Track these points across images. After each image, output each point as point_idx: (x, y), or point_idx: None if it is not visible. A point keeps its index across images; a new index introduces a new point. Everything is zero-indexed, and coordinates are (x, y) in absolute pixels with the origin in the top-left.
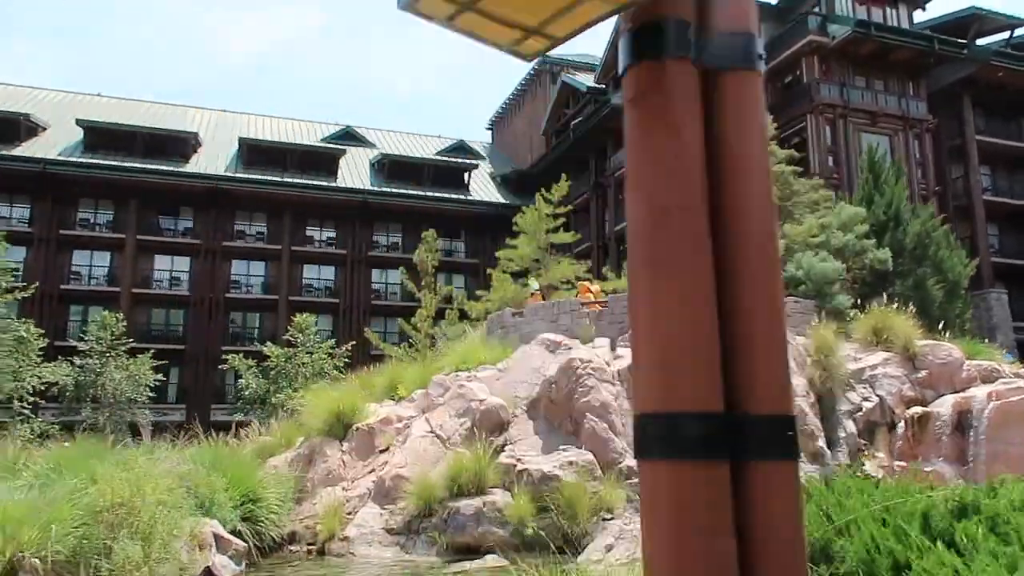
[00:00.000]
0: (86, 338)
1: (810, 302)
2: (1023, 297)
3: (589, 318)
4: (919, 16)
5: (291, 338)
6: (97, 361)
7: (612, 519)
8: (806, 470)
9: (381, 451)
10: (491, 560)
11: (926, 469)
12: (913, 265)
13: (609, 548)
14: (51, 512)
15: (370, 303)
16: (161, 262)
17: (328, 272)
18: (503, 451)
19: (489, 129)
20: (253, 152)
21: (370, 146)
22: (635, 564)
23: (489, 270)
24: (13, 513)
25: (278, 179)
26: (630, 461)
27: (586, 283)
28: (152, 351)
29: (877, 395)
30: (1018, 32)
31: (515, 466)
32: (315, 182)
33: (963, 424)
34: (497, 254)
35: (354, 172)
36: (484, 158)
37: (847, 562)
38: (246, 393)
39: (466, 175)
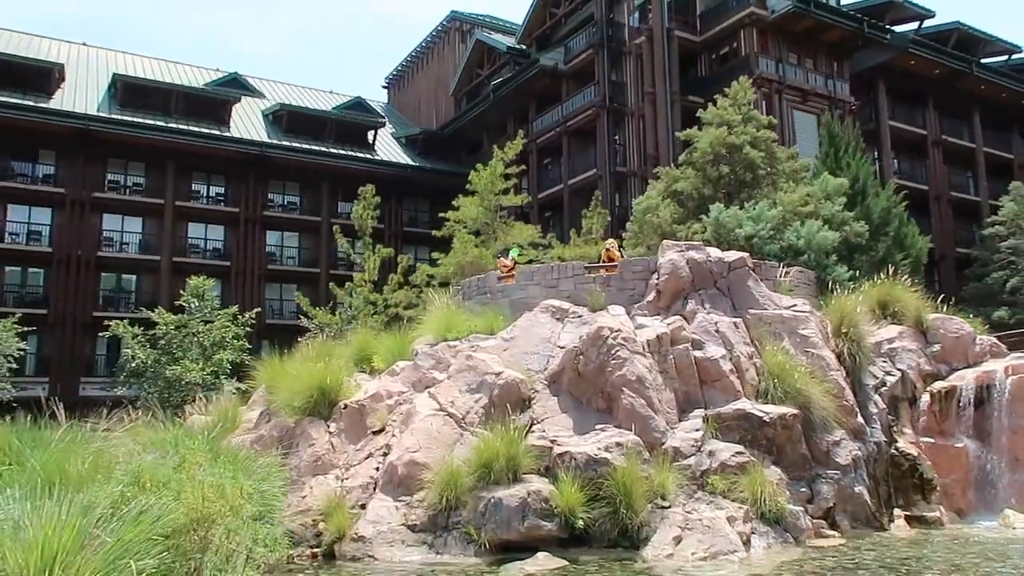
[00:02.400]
0: None
1: (812, 272)
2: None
3: (597, 283)
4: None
5: (185, 303)
6: None
7: (669, 507)
8: (848, 448)
9: (374, 432)
10: (544, 559)
11: (956, 445)
12: (875, 240)
13: (678, 541)
14: (117, 538)
15: (265, 267)
16: (16, 213)
17: (217, 232)
18: (531, 431)
19: (386, 88)
20: (129, 91)
21: (260, 96)
22: (716, 559)
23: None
24: (61, 543)
25: (161, 124)
26: (673, 441)
27: (612, 246)
28: (8, 316)
29: (898, 369)
30: (925, 24)
31: (551, 449)
32: (203, 130)
33: (983, 399)
34: (447, 215)
35: (247, 123)
36: (383, 117)
37: None
38: (133, 365)
39: (371, 133)
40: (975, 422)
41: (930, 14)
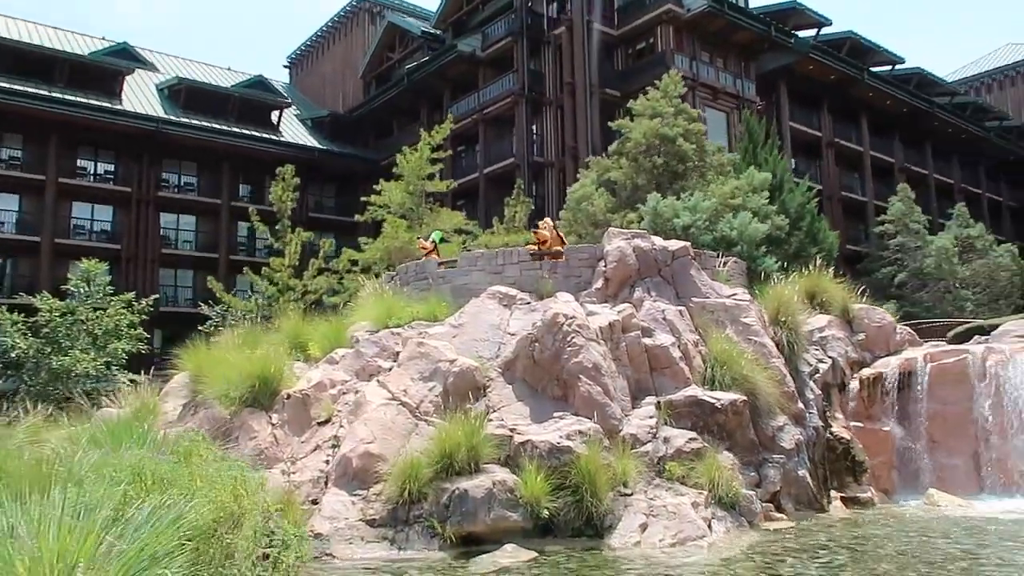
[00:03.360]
0: None
1: (744, 263)
2: None
3: (544, 270)
4: (754, 1)
5: (73, 288)
6: None
7: (631, 494)
8: (791, 432)
9: (320, 423)
10: (513, 551)
11: (883, 429)
12: (789, 234)
13: (644, 528)
14: (145, 543)
15: (159, 251)
16: None
17: (105, 212)
18: (489, 420)
19: (288, 68)
20: (7, 57)
21: (153, 69)
22: (685, 545)
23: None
24: (83, 551)
25: (43, 93)
26: (630, 428)
27: (545, 226)
28: None
29: (829, 357)
30: (823, 31)
31: (511, 438)
32: (91, 102)
33: (906, 384)
34: (370, 200)
35: (140, 97)
36: (287, 98)
37: None
38: (12, 355)
39: (275, 114)
40: (899, 407)
41: (827, 22)
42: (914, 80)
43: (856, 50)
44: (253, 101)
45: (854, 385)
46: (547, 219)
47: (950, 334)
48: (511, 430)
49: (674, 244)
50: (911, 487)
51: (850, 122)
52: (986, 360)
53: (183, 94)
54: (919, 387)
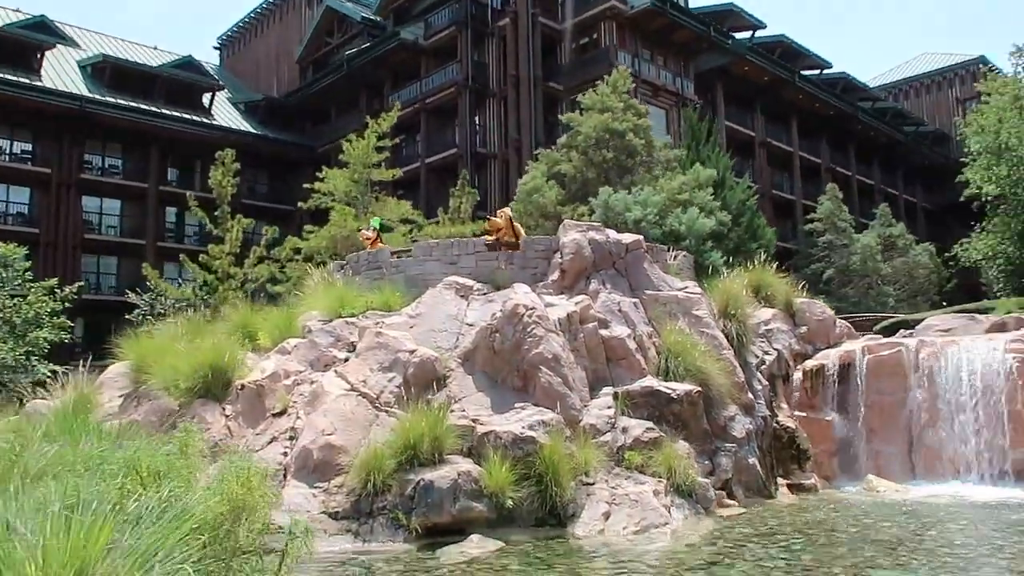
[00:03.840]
0: None
1: (691, 257)
2: None
3: (501, 261)
4: (693, 2)
5: None
6: None
7: (593, 483)
8: (741, 422)
9: (275, 414)
10: (479, 541)
11: (825, 419)
12: (730, 230)
13: (607, 516)
14: (154, 538)
15: (81, 237)
16: None
17: (22, 194)
18: (451, 411)
19: (218, 49)
20: None
21: (74, 45)
22: (648, 533)
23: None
24: (96, 549)
25: None
26: (589, 418)
27: (502, 215)
28: None
29: (775, 348)
30: (757, 34)
31: (474, 428)
32: (7, 77)
33: (845, 376)
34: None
35: (61, 74)
36: (219, 80)
37: None
38: None
39: (206, 96)
40: (839, 397)
41: (762, 25)
42: (840, 84)
43: (787, 54)
44: (183, 82)
45: (798, 376)
46: (506, 209)
47: (876, 328)
48: (473, 420)
49: (628, 237)
50: (850, 473)
51: (781, 123)
52: (919, 353)
53: (108, 72)
54: (857, 378)
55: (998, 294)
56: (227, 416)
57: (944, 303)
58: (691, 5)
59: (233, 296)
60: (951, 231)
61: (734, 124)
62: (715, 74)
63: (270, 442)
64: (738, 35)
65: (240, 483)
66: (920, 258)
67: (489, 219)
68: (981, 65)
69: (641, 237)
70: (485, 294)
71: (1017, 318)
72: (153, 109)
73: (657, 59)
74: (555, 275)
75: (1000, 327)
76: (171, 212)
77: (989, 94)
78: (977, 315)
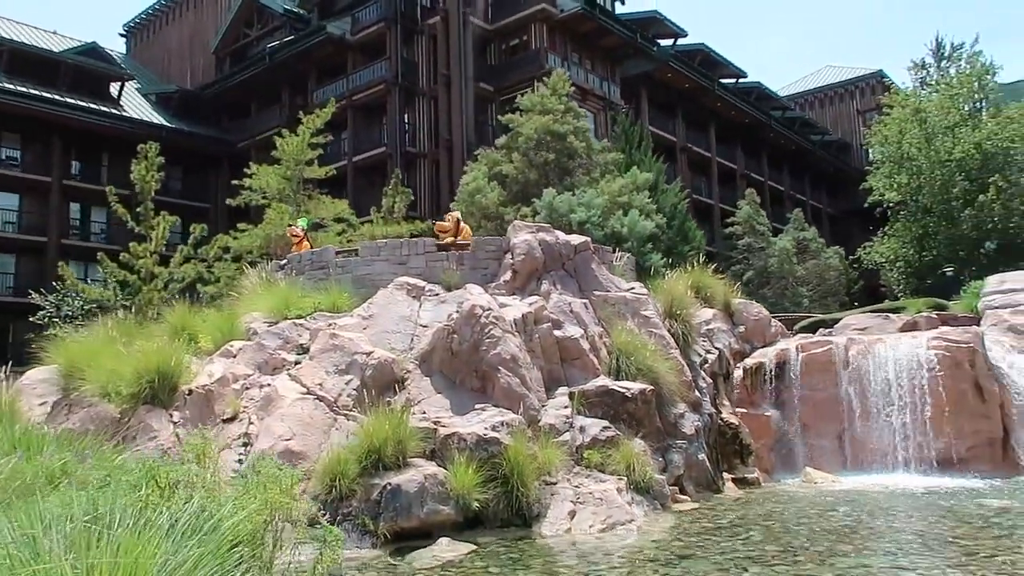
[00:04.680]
0: None
1: (633, 258)
2: None
3: (451, 262)
4: (619, 8)
5: None
6: None
7: (556, 483)
8: (691, 419)
9: (225, 420)
10: (448, 544)
11: (765, 414)
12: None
13: (572, 515)
14: (193, 552)
15: None
16: None
17: None
18: (412, 413)
19: (125, 37)
20: None
21: None
22: (615, 530)
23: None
24: (146, 568)
25: None
26: (548, 418)
27: (450, 218)
28: None
29: (716, 348)
30: (679, 42)
31: (436, 430)
32: None
33: (781, 373)
34: (243, 183)
35: None
36: (125, 69)
37: None
38: None
39: (114, 86)
40: (776, 393)
41: (684, 33)
42: (754, 93)
43: (707, 62)
44: (89, 70)
45: (738, 374)
46: (456, 213)
47: (797, 327)
48: (435, 423)
49: (576, 239)
50: (787, 466)
51: (700, 129)
52: (849, 350)
53: (4, 57)
54: (792, 375)
55: (898, 295)
56: (175, 423)
57: (856, 303)
58: (617, 12)
59: (158, 297)
60: (853, 235)
61: (657, 129)
62: (640, 80)
63: (222, 449)
64: (662, 42)
65: (281, 490)
66: (831, 261)
67: (437, 223)
68: (880, 79)
69: (588, 239)
70: (437, 295)
71: (928, 317)
72: (56, 97)
73: (585, 63)
74: (507, 276)
75: (912, 326)
76: (75, 208)
77: (891, 107)
78: (891, 315)
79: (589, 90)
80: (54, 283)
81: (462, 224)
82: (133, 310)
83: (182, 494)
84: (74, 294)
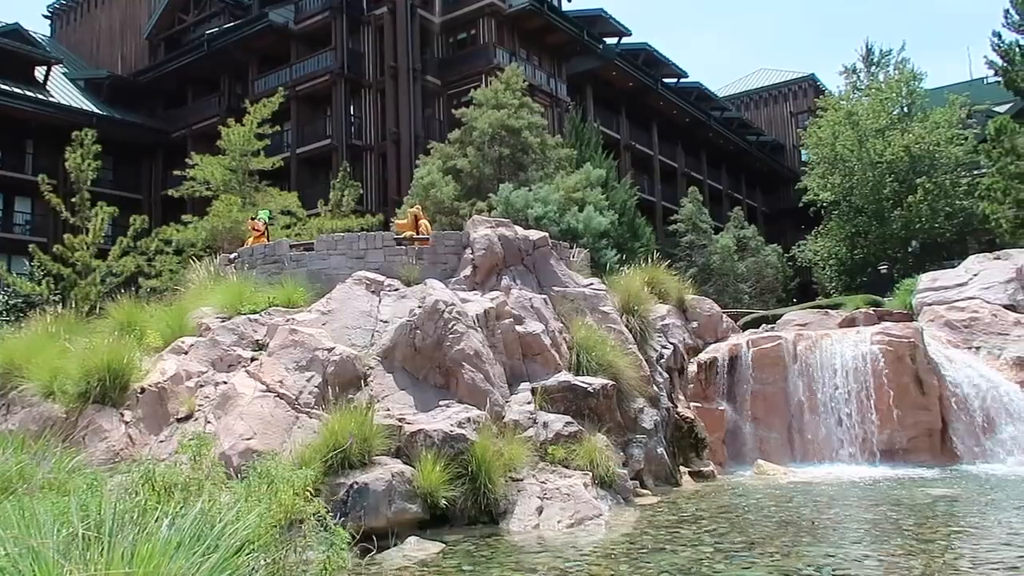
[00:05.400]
0: None
1: (588, 254)
2: None
3: (411, 256)
4: (565, 5)
5: None
6: None
7: (522, 479)
8: (649, 414)
9: (180, 419)
10: (417, 543)
11: (718, 409)
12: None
13: (540, 511)
14: (204, 559)
15: None
16: None
17: None
18: (375, 411)
19: (49, 19)
20: None
21: None
22: (584, 525)
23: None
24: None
25: None
26: (512, 414)
27: (412, 213)
28: None
29: (671, 343)
30: (623, 40)
31: (401, 427)
32: None
33: (733, 368)
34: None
35: None
36: (51, 53)
37: None
38: None
39: (40, 70)
40: (728, 388)
41: (628, 32)
42: (694, 93)
43: (650, 61)
44: (11, 52)
45: (692, 369)
46: (416, 208)
47: (740, 322)
48: (400, 420)
49: (535, 234)
50: (739, 459)
51: (643, 128)
52: (797, 345)
53: None
54: (744, 370)
55: (830, 292)
56: (127, 423)
57: (794, 300)
58: (563, 8)
59: (96, 292)
60: (786, 234)
61: (601, 127)
62: (585, 77)
63: (178, 451)
64: (607, 40)
65: (294, 492)
66: (769, 258)
67: (397, 222)
68: (812, 82)
69: (547, 234)
70: (397, 290)
71: (866, 313)
72: None
73: (533, 59)
74: (467, 271)
75: (850, 322)
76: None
77: (825, 109)
78: (829, 311)
79: (537, 86)
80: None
81: (421, 220)
82: (68, 305)
83: (178, 497)
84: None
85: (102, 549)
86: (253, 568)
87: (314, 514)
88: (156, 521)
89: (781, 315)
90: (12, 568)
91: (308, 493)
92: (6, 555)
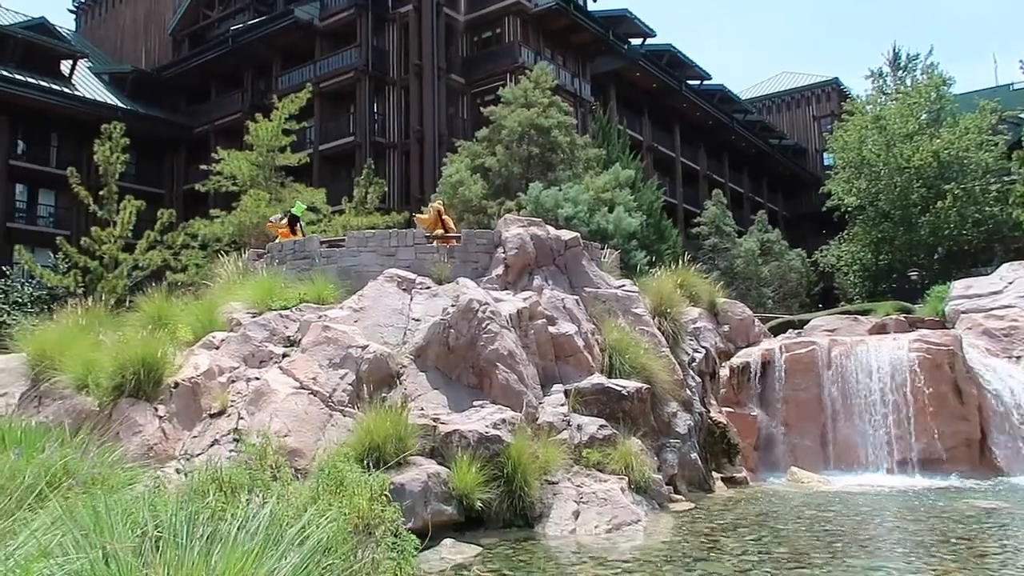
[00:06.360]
0: None
1: (618, 255)
2: None
3: (442, 254)
4: (590, 5)
5: None
6: None
7: (558, 482)
8: (683, 418)
9: (213, 415)
10: (454, 546)
11: (751, 414)
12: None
13: (576, 515)
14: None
15: None
16: None
17: None
18: (409, 410)
19: (74, 14)
20: None
21: None
22: (621, 530)
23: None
24: None
25: None
26: (546, 416)
27: (436, 208)
28: None
29: (703, 347)
30: (647, 42)
31: (436, 427)
32: None
33: (766, 373)
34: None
35: None
36: (77, 47)
37: None
38: None
39: (66, 64)
40: (760, 393)
41: (652, 33)
42: (717, 96)
43: (673, 63)
44: (39, 46)
45: (724, 373)
46: (437, 203)
47: (766, 327)
48: (434, 420)
49: (567, 234)
50: (770, 466)
51: (665, 129)
52: (832, 351)
53: None
54: (777, 375)
55: (853, 298)
56: (160, 417)
57: (819, 305)
58: (588, 8)
59: (123, 285)
60: (807, 238)
61: (624, 127)
62: (609, 77)
63: (212, 444)
64: (631, 41)
65: (370, 498)
66: (793, 263)
67: (416, 215)
68: (835, 86)
69: (578, 235)
70: (428, 288)
71: (897, 319)
72: (3, 73)
73: (557, 59)
74: (499, 270)
75: (881, 328)
76: (21, 190)
77: (851, 113)
78: (859, 317)
79: (561, 86)
80: (3, 268)
81: (444, 215)
82: (95, 298)
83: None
84: (23, 281)
85: (178, 551)
86: (331, 573)
87: (390, 520)
88: (227, 523)
89: (807, 320)
90: (90, 570)
91: (385, 497)
92: (85, 557)
